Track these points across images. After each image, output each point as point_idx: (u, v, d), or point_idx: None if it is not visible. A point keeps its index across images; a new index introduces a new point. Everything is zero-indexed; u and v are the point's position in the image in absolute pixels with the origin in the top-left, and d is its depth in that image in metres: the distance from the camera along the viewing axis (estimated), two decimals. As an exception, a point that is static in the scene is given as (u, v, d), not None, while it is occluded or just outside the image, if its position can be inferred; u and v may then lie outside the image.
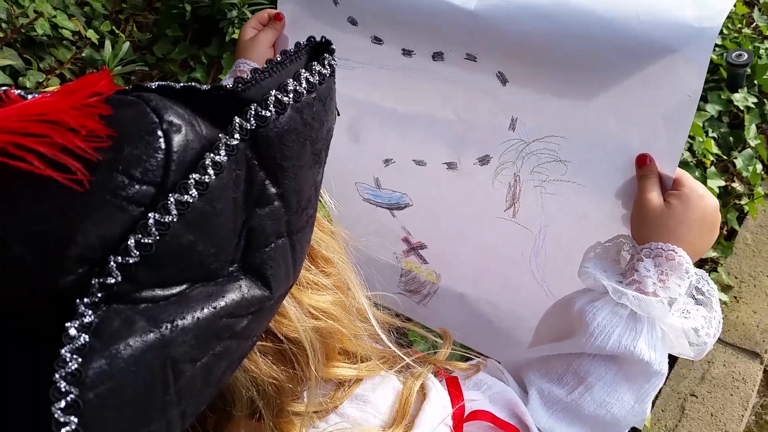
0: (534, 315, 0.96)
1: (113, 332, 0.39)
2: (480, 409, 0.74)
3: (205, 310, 0.43)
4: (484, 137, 1.00)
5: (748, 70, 2.34)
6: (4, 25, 1.79)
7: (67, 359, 0.38)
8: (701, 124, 2.17)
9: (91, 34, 2.02)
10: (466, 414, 0.73)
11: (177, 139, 0.43)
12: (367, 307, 0.73)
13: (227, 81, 1.14)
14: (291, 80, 0.47)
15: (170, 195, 0.41)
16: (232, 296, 0.46)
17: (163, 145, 0.42)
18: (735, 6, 2.65)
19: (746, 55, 2.28)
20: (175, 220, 0.41)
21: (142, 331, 0.40)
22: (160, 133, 0.42)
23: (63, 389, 0.37)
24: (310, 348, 0.61)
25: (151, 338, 0.40)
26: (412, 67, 0.99)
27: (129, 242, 0.40)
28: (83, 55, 2.01)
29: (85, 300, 0.39)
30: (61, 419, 0.37)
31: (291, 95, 0.46)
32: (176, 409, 0.44)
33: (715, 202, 0.83)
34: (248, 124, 0.45)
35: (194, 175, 0.42)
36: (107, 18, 2.14)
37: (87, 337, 0.38)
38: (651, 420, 1.86)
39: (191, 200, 0.41)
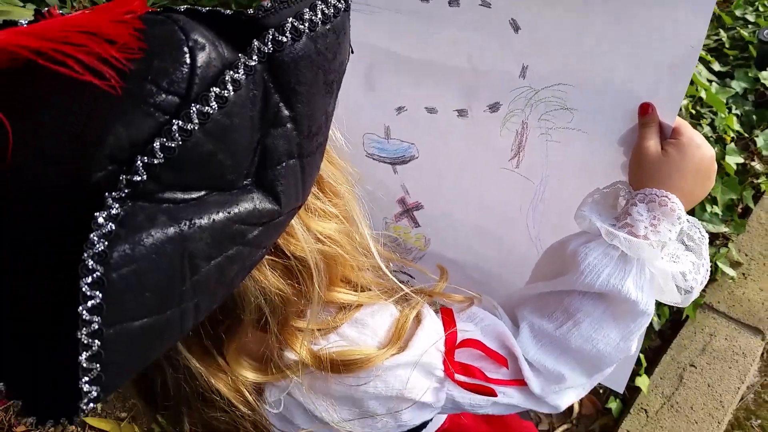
0: (523, 281, 1.00)
1: (137, 224, 0.44)
2: (471, 338, 0.79)
3: (221, 214, 0.48)
4: (495, 84, 1.02)
5: (779, 50, 2.31)
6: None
7: (95, 242, 0.43)
8: (725, 100, 2.17)
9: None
10: (458, 341, 0.77)
11: (201, 56, 0.47)
12: (369, 238, 0.78)
13: None
14: (307, 10, 0.51)
15: (193, 105, 0.45)
16: (245, 205, 0.51)
17: (188, 60, 0.46)
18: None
19: (777, 34, 2.27)
20: (196, 128, 0.45)
21: (163, 225, 0.45)
22: (186, 49, 0.47)
23: (90, 267, 0.42)
24: (314, 267, 0.67)
25: (171, 231, 0.46)
26: (428, 12, 1.01)
27: (155, 144, 0.44)
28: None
29: (113, 194, 0.44)
30: (88, 293, 0.43)
31: (306, 24, 0.50)
32: (191, 301, 0.50)
33: (711, 152, 0.85)
34: (266, 48, 0.49)
35: (215, 89, 0.46)
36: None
37: (113, 225, 0.43)
38: (649, 386, 1.90)
39: (211, 111, 0.46)
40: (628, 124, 0.90)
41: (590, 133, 0.95)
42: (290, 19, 0.50)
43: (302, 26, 0.50)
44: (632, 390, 1.91)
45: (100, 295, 0.43)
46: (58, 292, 0.45)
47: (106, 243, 0.43)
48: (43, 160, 0.45)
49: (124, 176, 0.44)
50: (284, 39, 0.49)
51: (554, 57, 0.94)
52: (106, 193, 0.44)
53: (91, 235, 0.43)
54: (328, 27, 0.52)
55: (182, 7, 0.52)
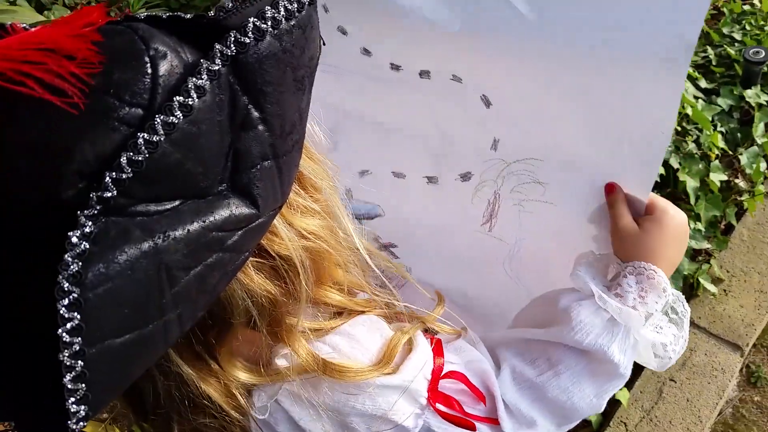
0: (503, 300, 1.01)
1: (111, 240, 0.44)
2: (456, 371, 0.80)
3: (195, 224, 0.48)
4: (466, 154, 1.03)
5: (764, 68, 2.34)
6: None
7: (69, 263, 0.43)
8: (710, 118, 2.19)
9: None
10: (443, 372, 0.79)
11: (162, 65, 0.47)
12: (353, 232, 0.78)
13: None
14: (269, 8, 0.50)
15: (157, 116, 0.45)
16: (221, 212, 0.50)
17: (149, 70, 0.46)
18: (761, 2, 2.65)
19: (764, 53, 2.30)
20: (162, 139, 0.45)
21: (137, 240, 0.45)
22: (146, 59, 0.46)
23: (66, 289, 0.43)
24: (300, 265, 0.67)
25: (145, 246, 0.46)
26: (399, 80, 1.01)
27: (121, 159, 0.44)
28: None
29: (85, 212, 0.44)
30: (66, 315, 0.43)
31: (269, 22, 0.49)
32: (173, 312, 0.50)
33: (683, 217, 0.89)
34: (228, 51, 0.48)
35: (178, 98, 0.46)
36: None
37: (87, 244, 0.43)
38: (629, 400, 1.92)
39: (176, 121, 0.46)
40: (600, 199, 0.92)
41: (562, 207, 0.96)
42: (251, 19, 0.49)
43: (264, 25, 0.49)
44: (612, 403, 1.92)
45: (78, 316, 0.43)
46: (36, 314, 0.45)
47: (81, 263, 0.43)
48: (11, 177, 0.45)
49: (94, 193, 0.44)
50: (246, 40, 0.48)
51: (524, 132, 0.95)
52: (78, 212, 0.44)
53: (66, 256, 0.43)
54: (292, 23, 0.51)
55: (142, 15, 0.51)
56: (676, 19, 0.77)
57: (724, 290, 2.14)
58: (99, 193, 0.44)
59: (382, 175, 1.12)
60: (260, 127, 0.52)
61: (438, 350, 0.81)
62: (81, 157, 0.44)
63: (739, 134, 2.32)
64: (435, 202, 1.10)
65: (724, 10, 2.63)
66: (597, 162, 0.90)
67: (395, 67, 1.01)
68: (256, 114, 0.51)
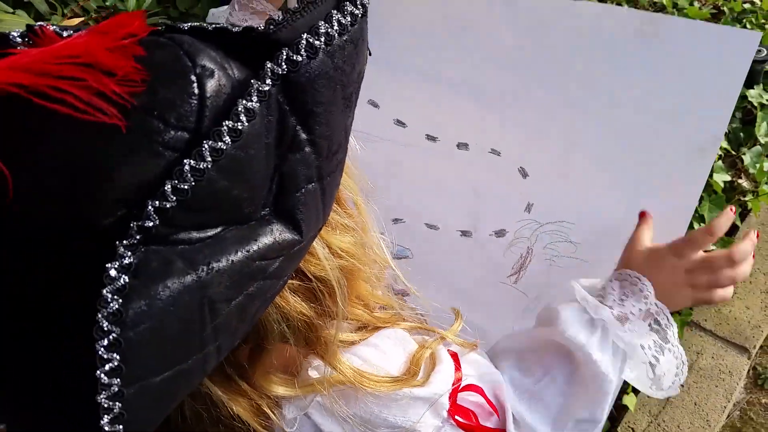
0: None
1: (152, 273, 0.41)
2: (474, 384, 0.81)
3: (239, 254, 0.45)
4: (500, 214, 1.07)
5: (766, 67, 2.33)
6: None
7: (109, 299, 0.40)
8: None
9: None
10: (462, 385, 0.79)
11: (210, 84, 0.43)
12: (384, 248, 0.77)
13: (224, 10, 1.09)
14: (322, 22, 0.46)
15: (205, 142, 0.42)
16: (264, 240, 0.47)
17: (196, 90, 0.43)
18: (761, 1, 2.63)
19: (765, 52, 2.27)
20: (209, 166, 0.42)
21: (179, 273, 0.42)
22: (193, 77, 0.43)
23: (105, 328, 0.40)
24: (337, 285, 0.64)
25: (188, 280, 0.42)
26: (435, 150, 1.05)
27: (166, 187, 0.41)
28: (107, 3, 2.03)
29: (125, 242, 0.41)
30: (105, 356, 0.40)
31: (323, 38, 0.46)
32: (212, 345, 0.47)
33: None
34: (280, 69, 0.45)
35: (227, 123, 0.42)
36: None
37: (127, 278, 0.40)
38: (636, 405, 1.90)
39: (225, 147, 0.42)
40: None
41: (592, 263, 1.01)
42: (304, 35, 0.45)
43: (318, 42, 0.45)
44: (620, 408, 1.91)
45: (118, 356, 0.40)
46: (69, 348, 0.43)
47: (121, 300, 0.40)
48: (40, 198, 0.42)
49: (134, 222, 0.41)
50: (299, 58, 0.45)
51: (557, 199, 1.01)
52: (117, 242, 0.41)
53: (104, 291, 0.40)
54: (345, 38, 0.48)
55: (186, 25, 0.48)
56: (706, 114, 0.87)
57: (730, 292, 2.13)
58: (140, 223, 0.41)
59: (415, 226, 1.15)
60: (307, 149, 0.48)
61: (456, 364, 0.81)
62: (121, 183, 0.41)
63: (741, 134, 2.30)
64: (465, 253, 1.13)
65: (725, 8, 2.62)
66: (625, 229, 0.94)
67: (431, 138, 1.06)
68: (304, 136, 0.48)
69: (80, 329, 0.41)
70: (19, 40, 0.47)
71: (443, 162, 1.07)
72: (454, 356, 0.82)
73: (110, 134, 0.41)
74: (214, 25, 0.47)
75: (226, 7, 0.98)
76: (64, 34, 0.47)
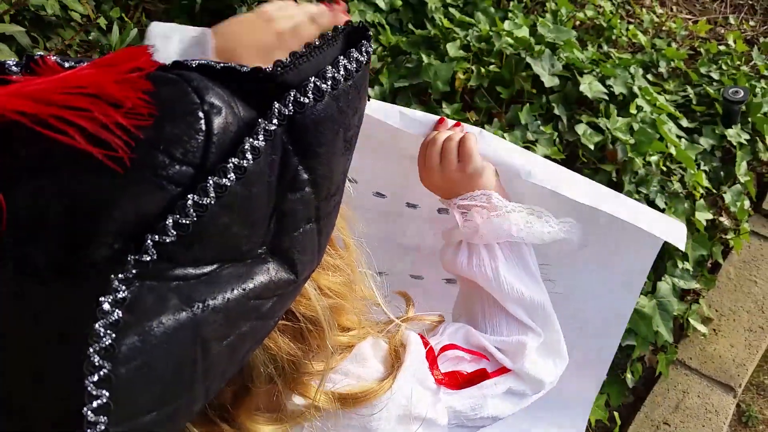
0: None
1: (146, 309, 0.40)
2: (446, 344, 0.85)
3: (235, 291, 0.44)
4: None
5: (743, 107, 2.37)
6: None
7: (101, 334, 0.38)
8: (694, 157, 2.20)
9: (101, 21, 2.02)
10: (437, 353, 0.82)
11: (217, 121, 0.43)
12: (373, 285, 0.77)
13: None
14: (330, 67, 0.47)
15: (209, 177, 0.41)
16: (260, 278, 0.46)
17: (203, 127, 0.42)
18: (735, 43, 2.70)
19: (742, 93, 2.32)
20: (212, 202, 0.41)
21: (174, 309, 0.41)
22: (201, 114, 0.43)
23: (96, 363, 0.38)
24: (326, 324, 0.64)
25: (183, 317, 0.41)
26: (417, 215, 1.10)
27: (167, 222, 0.40)
28: (90, 38, 2.01)
29: (120, 276, 0.39)
30: (94, 392, 0.38)
31: (329, 82, 0.47)
32: (201, 386, 0.46)
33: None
34: (287, 110, 0.45)
35: (233, 159, 0.42)
36: (117, 3, 2.14)
37: (120, 312, 0.39)
38: (624, 445, 1.89)
39: (229, 184, 0.42)
40: None
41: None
42: (312, 78, 0.46)
43: (325, 85, 0.46)
44: (608, 448, 1.89)
45: (108, 393, 0.38)
46: (55, 382, 0.41)
47: (114, 335, 0.38)
48: (42, 227, 0.41)
49: (132, 256, 0.40)
50: (306, 100, 0.45)
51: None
52: (112, 275, 0.39)
53: (96, 326, 0.38)
54: (350, 83, 0.48)
55: (194, 62, 0.48)
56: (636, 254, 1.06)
57: (714, 330, 2.13)
58: (137, 257, 0.40)
59: (400, 276, 1.19)
60: (307, 189, 0.48)
61: (423, 341, 0.83)
62: (121, 216, 0.40)
63: (722, 172, 2.33)
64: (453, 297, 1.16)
65: (701, 50, 2.67)
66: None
67: (412, 206, 1.11)
68: (305, 176, 0.48)
69: (68, 364, 0.39)
70: (15, 69, 0.46)
71: (425, 225, 1.12)
72: (420, 335, 0.84)
73: (114, 167, 0.40)
74: (221, 64, 0.47)
75: (171, 25, 0.96)
76: (66, 65, 0.46)
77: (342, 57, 0.48)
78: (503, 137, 2.10)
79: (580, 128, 2.09)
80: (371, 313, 0.81)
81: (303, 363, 0.64)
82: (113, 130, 0.40)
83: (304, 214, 0.49)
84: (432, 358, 0.81)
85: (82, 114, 0.40)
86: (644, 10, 2.80)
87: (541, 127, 2.10)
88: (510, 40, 2.24)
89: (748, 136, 2.37)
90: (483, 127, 2.17)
